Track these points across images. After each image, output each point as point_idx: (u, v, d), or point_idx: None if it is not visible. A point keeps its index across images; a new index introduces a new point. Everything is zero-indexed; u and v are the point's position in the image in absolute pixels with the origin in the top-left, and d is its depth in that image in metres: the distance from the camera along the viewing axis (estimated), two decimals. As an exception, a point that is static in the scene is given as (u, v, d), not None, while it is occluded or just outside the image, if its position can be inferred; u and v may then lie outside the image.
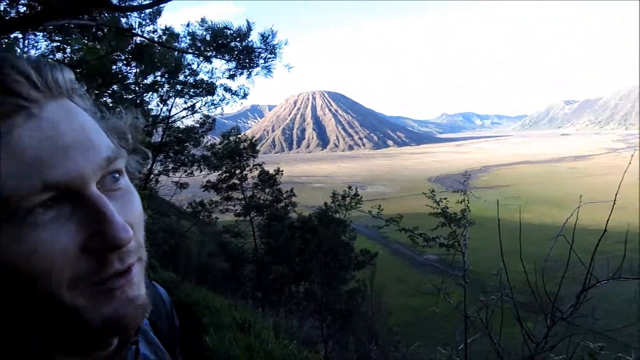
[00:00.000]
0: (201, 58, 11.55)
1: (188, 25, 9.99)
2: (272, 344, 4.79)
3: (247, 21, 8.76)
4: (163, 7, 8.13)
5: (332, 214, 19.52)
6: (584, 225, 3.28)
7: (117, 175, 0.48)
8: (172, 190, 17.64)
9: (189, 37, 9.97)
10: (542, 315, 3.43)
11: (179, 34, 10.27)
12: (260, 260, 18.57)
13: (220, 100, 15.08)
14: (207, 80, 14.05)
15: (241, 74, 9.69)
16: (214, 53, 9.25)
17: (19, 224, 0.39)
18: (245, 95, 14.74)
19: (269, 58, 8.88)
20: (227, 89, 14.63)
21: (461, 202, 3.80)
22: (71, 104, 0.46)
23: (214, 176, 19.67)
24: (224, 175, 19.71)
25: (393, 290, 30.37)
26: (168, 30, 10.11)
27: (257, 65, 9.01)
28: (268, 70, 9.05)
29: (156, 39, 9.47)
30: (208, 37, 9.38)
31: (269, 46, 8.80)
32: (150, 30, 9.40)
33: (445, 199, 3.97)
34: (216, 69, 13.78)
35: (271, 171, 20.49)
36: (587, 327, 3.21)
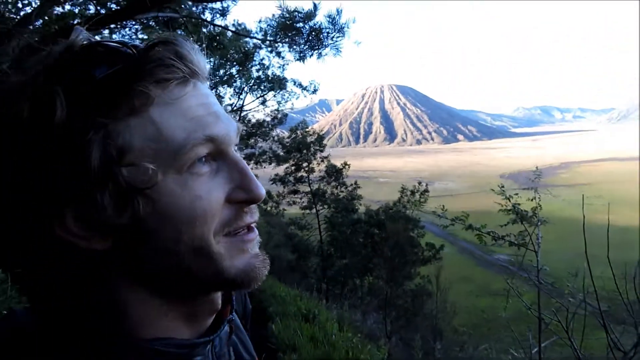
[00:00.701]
0: (273, 53, 11.83)
1: (260, 21, 10.28)
2: (336, 335, 4.83)
3: (314, 3, 9.13)
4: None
5: (402, 210, 19.33)
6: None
7: (236, 148, 0.55)
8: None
9: (261, 34, 10.25)
10: (623, 326, 3.17)
11: (251, 30, 10.58)
12: (325, 253, 18.75)
13: (290, 95, 15.34)
14: (278, 75, 14.33)
15: (311, 55, 10.07)
16: (283, 36, 9.69)
17: (186, 174, 0.47)
18: (315, 91, 15.00)
19: (338, 37, 9.26)
20: (297, 84, 14.89)
21: (532, 200, 3.57)
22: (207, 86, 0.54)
23: (281, 169, 20.04)
24: (291, 167, 20.03)
25: (460, 290, 29.43)
26: (240, 26, 10.44)
27: (327, 46, 9.40)
28: (337, 49, 9.44)
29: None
30: (277, 23, 9.81)
31: (337, 26, 9.18)
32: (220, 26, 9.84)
33: (517, 194, 3.75)
34: (288, 63, 13.98)
35: (338, 165, 20.56)
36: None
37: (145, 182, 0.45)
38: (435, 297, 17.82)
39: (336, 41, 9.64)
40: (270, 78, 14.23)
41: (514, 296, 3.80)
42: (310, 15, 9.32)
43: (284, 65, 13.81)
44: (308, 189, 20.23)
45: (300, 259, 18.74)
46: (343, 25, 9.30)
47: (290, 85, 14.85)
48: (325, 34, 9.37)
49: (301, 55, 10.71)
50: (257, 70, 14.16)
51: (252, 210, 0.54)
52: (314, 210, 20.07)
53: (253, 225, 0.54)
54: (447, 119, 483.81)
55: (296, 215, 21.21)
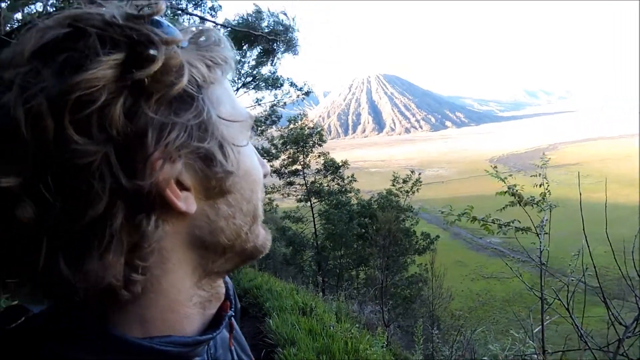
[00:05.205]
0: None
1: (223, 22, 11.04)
2: (334, 327, 4.82)
3: (255, 5, 10.42)
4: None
5: (394, 199, 19.37)
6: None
7: None
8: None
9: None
10: (622, 302, 3.22)
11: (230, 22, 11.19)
12: (319, 246, 18.76)
13: (284, 95, 15.56)
14: (271, 74, 14.44)
15: (270, 59, 11.46)
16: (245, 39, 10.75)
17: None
18: (308, 93, 15.28)
19: (291, 38, 10.67)
20: (291, 83, 15.06)
21: (539, 186, 3.56)
22: None
23: (276, 162, 19.82)
24: (287, 161, 19.81)
25: (455, 275, 29.74)
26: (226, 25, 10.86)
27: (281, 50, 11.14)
28: (294, 50, 10.82)
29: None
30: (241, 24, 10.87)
31: (285, 26, 10.51)
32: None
33: (511, 175, 3.74)
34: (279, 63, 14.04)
35: (338, 160, 20.36)
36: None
37: (234, 139, 0.48)
38: (431, 284, 17.95)
39: (290, 41, 10.75)
40: (266, 78, 14.27)
41: (509, 278, 3.82)
42: (259, 17, 10.33)
43: (273, 60, 13.88)
44: (303, 182, 20.03)
45: (295, 252, 18.73)
46: (291, 26, 10.69)
47: (286, 85, 15.06)
48: (281, 37, 10.46)
49: (261, 60, 11.71)
50: (251, 68, 14.18)
51: None
52: (308, 203, 19.96)
53: None
54: (434, 106, 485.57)
55: (290, 208, 21.16)
